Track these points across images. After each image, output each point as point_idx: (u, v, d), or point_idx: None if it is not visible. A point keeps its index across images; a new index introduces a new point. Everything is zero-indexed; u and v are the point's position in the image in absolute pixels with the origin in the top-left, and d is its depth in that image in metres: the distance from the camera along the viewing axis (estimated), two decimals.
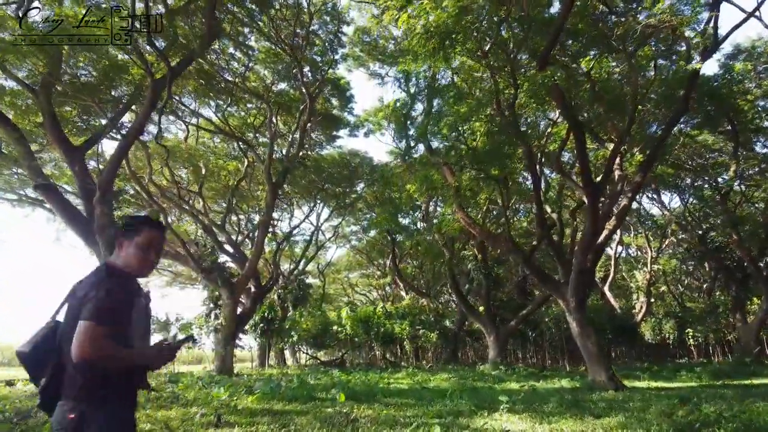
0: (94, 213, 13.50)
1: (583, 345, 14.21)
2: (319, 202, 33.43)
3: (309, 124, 29.39)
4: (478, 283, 22.48)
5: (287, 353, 35.65)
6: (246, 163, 25.35)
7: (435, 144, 18.43)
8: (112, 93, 16.59)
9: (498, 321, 23.10)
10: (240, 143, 24.68)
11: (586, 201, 14.42)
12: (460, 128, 14.57)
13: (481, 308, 24.76)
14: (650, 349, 32.63)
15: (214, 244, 23.07)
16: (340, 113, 30.04)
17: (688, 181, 29.37)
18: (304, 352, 30.78)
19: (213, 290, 23.29)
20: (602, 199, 14.31)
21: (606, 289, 32.78)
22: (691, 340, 31.19)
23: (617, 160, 14.59)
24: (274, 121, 23.29)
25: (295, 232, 36.83)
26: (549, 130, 16.24)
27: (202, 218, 23.93)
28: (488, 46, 13.17)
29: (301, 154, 22.34)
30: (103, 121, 17.93)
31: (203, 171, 26.40)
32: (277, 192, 21.79)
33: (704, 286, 39.27)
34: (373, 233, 41.93)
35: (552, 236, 15.08)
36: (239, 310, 23.15)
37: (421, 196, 19.07)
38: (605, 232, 14.27)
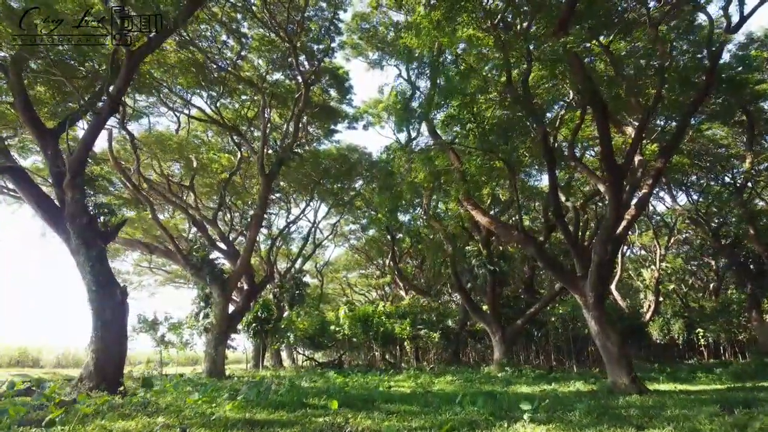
0: (65, 199, 12.17)
1: (602, 345, 12.84)
2: (316, 198, 32.04)
3: (305, 117, 28.08)
4: (483, 280, 21.09)
5: (284, 354, 34.23)
6: (239, 156, 23.97)
7: (439, 129, 17.05)
8: (86, 66, 15.19)
9: (503, 320, 21.73)
10: (233, 135, 23.31)
11: (603, 188, 13.09)
12: (466, 109, 13.20)
13: (485, 306, 23.40)
14: (658, 349, 31.25)
15: (204, 240, 21.67)
16: (338, 105, 28.72)
17: (694, 178, 28.22)
18: (300, 353, 29.30)
19: (203, 288, 21.91)
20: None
21: (613, 288, 31.39)
22: (702, 340, 29.87)
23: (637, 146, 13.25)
24: (268, 110, 21.90)
25: (292, 229, 35.61)
26: (562, 113, 14.90)
27: (193, 212, 22.54)
28: (499, 17, 11.81)
29: (296, 145, 20.93)
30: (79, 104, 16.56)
31: (195, 164, 25.00)
32: (270, 184, 20.42)
33: (711, 285, 37.96)
34: (372, 232, 40.68)
35: (567, 226, 13.72)
36: (231, 308, 21.76)
37: (424, 182, 17.67)
38: (624, 223, 12.93)
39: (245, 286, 21.91)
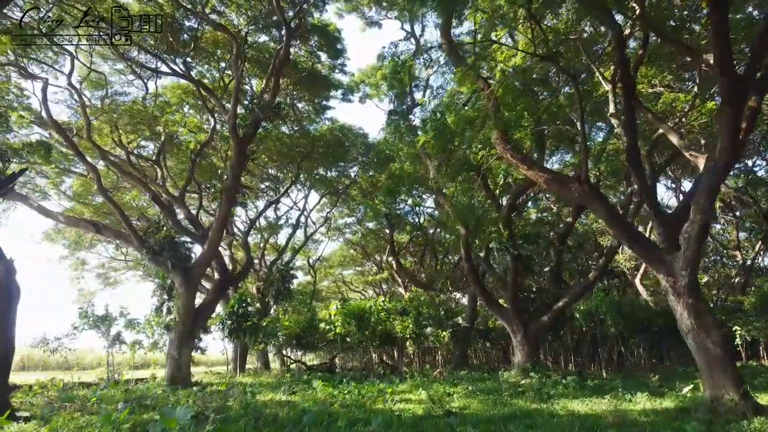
0: None
1: (699, 345, 8.74)
2: (304, 179, 27.71)
3: (291, 88, 24.11)
4: (503, 267, 16.91)
5: (272, 356, 29.94)
6: (212, 123, 19.78)
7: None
8: None
9: (525, 316, 17.56)
10: (204, 99, 19.02)
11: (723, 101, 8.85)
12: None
13: (501, 300, 19.25)
14: (688, 350, 27.04)
15: (167, 219, 17.43)
16: (330, 73, 24.54)
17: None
18: (285, 356, 24.98)
19: (163, 277, 17.67)
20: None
21: (638, 282, 27.36)
22: (738, 339, 25.79)
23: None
24: (242, 60, 17.72)
25: (281, 219, 31.37)
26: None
27: (156, 188, 18.30)
28: None
29: (277, 104, 16.69)
30: None
31: (163, 137, 20.77)
32: (244, 150, 16.21)
33: (736, 280, 33.99)
34: (370, 225, 36.49)
35: (645, 176, 9.64)
36: (198, 302, 17.53)
37: (431, 148, 13.53)
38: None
39: (216, 275, 17.65)
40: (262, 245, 31.58)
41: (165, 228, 17.35)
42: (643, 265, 27.20)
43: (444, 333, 17.66)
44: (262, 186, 30.35)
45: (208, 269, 19.64)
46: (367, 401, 10.79)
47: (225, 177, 17.05)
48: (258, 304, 26.49)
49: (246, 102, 16.91)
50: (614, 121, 10.30)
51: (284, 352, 25.10)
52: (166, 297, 17.76)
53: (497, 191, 16.84)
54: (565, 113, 13.10)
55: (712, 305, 28.19)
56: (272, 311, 26.59)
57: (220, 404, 9.23)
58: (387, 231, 33.23)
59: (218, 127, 20.27)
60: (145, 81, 20.54)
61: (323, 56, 23.34)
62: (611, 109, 10.09)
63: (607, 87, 10.25)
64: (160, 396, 12.81)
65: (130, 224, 16.25)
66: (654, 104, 15.27)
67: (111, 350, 18.42)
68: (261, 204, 32.87)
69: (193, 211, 20.31)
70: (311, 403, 9.92)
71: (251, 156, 17.78)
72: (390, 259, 37.73)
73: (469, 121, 10.08)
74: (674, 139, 10.85)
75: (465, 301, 34.10)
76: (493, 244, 16.65)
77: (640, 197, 9.12)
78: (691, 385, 12.63)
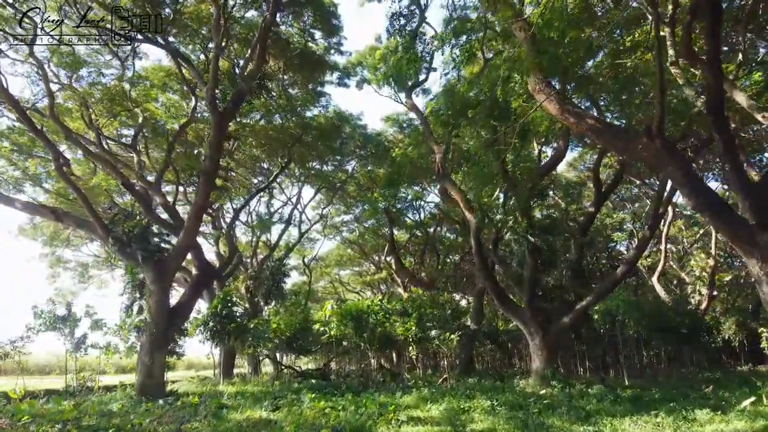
0: None
1: None
2: (295, 167, 25.43)
3: (283, 69, 21.80)
4: (519, 261, 14.66)
5: (267, 360, 27.53)
6: (192, 103, 17.54)
7: None
8: None
9: (543, 317, 15.34)
10: (179, 62, 16.64)
11: None
12: None
13: (513, 296, 17.05)
14: (711, 352, 24.89)
15: (140, 206, 15.16)
16: (325, 54, 22.29)
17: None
18: (274, 360, 22.64)
19: (131, 271, 15.37)
20: None
21: (655, 280, 25.21)
22: (764, 342, 23.68)
23: None
24: (223, 20, 15.50)
25: (274, 213, 29.07)
26: None
27: (130, 174, 16.05)
28: None
29: (262, 76, 14.43)
30: None
31: (140, 119, 18.49)
32: (225, 127, 13.99)
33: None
34: (369, 223, 34.26)
35: (731, 131, 7.48)
36: (174, 301, 15.25)
37: (440, 126, 11.33)
38: None
39: (193, 271, 15.39)
40: (254, 242, 29.29)
41: (138, 217, 15.07)
42: (661, 263, 25.07)
43: (452, 336, 15.38)
44: (255, 181, 28.15)
45: (193, 265, 17.35)
46: (366, 421, 8.55)
47: (203, 158, 14.79)
48: (247, 305, 24.22)
49: (228, 75, 14.67)
50: (675, 71, 8.17)
51: (274, 356, 22.75)
52: (137, 295, 15.46)
53: (539, 148, 14.32)
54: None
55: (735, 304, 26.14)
56: (265, 312, 24.27)
57: (179, 428, 6.98)
58: (386, 228, 31.18)
59: (200, 105, 18.03)
60: (122, 59, 18.31)
61: (317, 34, 21.15)
62: (670, 55, 7.95)
63: (666, 30, 8.13)
64: (117, 411, 10.55)
65: (94, 211, 13.94)
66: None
67: (75, 354, 16.06)
68: (253, 200, 30.69)
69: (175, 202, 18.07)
70: (294, 428, 7.67)
71: (235, 136, 15.52)
72: (389, 258, 35.55)
73: (495, 68, 7.91)
74: (741, 99, 8.70)
75: (464, 303, 32.01)
76: (509, 235, 14.43)
77: (723, 159, 6.95)
78: (752, 398, 10.49)
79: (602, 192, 16.17)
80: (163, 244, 14.71)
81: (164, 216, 17.45)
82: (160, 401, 12.56)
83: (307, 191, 43.33)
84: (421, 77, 19.07)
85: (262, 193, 29.71)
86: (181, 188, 20.45)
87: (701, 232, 25.62)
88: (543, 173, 14.26)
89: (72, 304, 16.17)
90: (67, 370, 17.49)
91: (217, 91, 13.91)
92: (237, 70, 14.59)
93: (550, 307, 15.60)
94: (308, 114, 25.07)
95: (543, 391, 13.80)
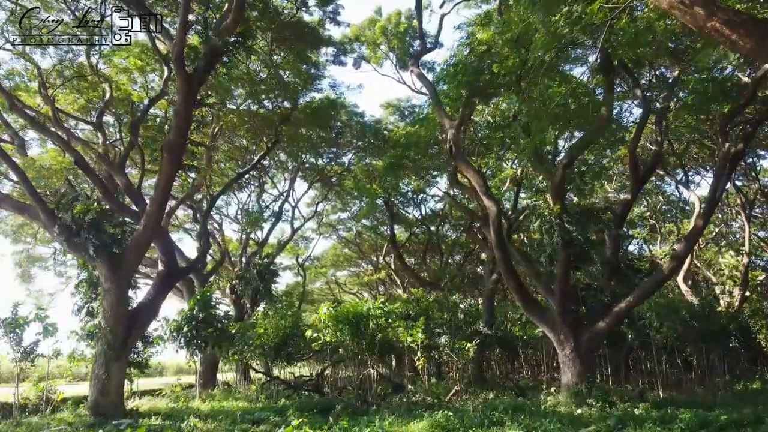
0: None
1: None
2: (284, 150, 22.80)
3: (273, 44, 19.13)
4: (550, 256, 12.09)
5: (259, 367, 24.74)
6: (165, 74, 14.94)
7: None
8: None
9: (575, 322, 12.75)
10: (156, 39, 14.14)
11: None
12: None
13: (538, 297, 14.42)
14: (742, 358, 22.34)
15: (97, 189, 12.52)
16: (319, 28, 19.74)
17: None
18: (254, 369, 19.96)
19: (84, 265, 12.72)
20: None
21: (680, 280, 22.73)
22: None
23: None
24: None
25: (265, 209, 26.37)
26: None
27: (83, 149, 13.40)
28: None
29: (238, 30, 11.81)
30: None
31: (107, 95, 15.85)
32: (195, 91, 11.37)
33: None
34: (366, 222, 31.74)
35: None
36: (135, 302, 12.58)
37: (454, 91, 8.80)
38: None
39: (160, 266, 12.75)
40: (243, 239, 26.64)
41: (95, 202, 12.42)
42: (688, 260, 22.58)
43: (469, 345, 12.74)
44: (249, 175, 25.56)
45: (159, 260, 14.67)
46: None
47: (167, 128, 12.21)
48: (232, 306, 21.56)
49: (200, 29, 12.08)
50: None
51: (259, 365, 20.04)
52: (92, 295, 12.81)
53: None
54: None
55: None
56: (254, 315, 21.58)
57: None
58: (386, 225, 28.70)
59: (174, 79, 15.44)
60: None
61: (311, 2, 18.60)
62: None
63: None
64: None
65: (35, 192, 11.30)
66: None
67: (22, 363, 13.31)
68: (243, 195, 28.05)
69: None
70: None
71: (209, 103, 12.91)
72: (388, 258, 33.03)
73: None
74: None
75: (464, 305, 29.43)
76: (537, 224, 11.88)
77: None
78: None
79: (639, 177, 13.69)
80: (120, 235, 12.04)
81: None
82: (113, 424, 9.96)
83: (301, 186, 40.65)
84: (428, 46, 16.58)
85: (252, 188, 27.19)
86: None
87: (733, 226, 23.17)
88: (582, 146, 11.55)
89: (19, 305, 13.41)
90: (18, 382, 14.76)
91: (186, 48, 11.30)
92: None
93: (585, 309, 13.02)
94: (302, 102, 22.59)
95: (579, 411, 11.30)
